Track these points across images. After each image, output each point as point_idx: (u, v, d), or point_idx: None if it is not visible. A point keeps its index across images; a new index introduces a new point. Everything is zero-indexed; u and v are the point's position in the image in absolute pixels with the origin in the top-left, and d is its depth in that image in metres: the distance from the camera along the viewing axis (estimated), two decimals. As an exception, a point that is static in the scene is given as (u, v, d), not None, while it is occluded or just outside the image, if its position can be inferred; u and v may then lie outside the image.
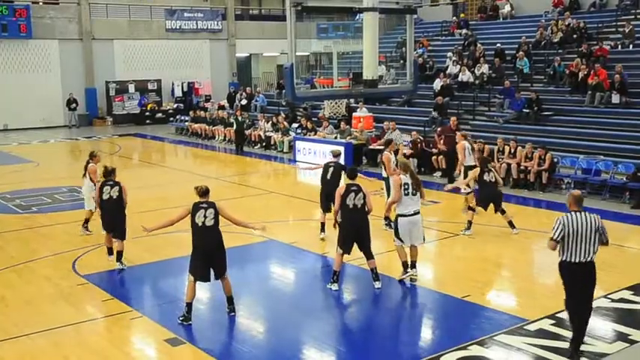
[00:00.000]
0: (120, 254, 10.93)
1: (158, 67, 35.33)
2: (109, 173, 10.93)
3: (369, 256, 9.84)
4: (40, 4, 33.72)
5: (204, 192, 8.68)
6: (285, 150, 23.50)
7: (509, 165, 16.90)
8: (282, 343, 8.33)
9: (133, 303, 9.37)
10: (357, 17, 27.44)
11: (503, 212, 12.74)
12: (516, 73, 23.19)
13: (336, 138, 21.46)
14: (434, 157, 18.71)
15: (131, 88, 34.22)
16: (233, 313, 8.87)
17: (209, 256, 8.61)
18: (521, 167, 16.77)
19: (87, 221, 12.86)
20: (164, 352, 7.98)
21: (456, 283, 10.06)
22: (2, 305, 9.43)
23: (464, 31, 29.14)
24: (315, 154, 20.57)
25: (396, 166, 12.04)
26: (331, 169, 12.21)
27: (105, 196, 10.78)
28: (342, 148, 20.15)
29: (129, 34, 34.71)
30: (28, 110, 31.72)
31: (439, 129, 19.25)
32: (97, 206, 11.25)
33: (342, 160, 18.49)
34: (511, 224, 12.70)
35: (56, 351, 7.99)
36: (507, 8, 29.64)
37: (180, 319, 8.55)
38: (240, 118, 24.71)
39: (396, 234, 9.95)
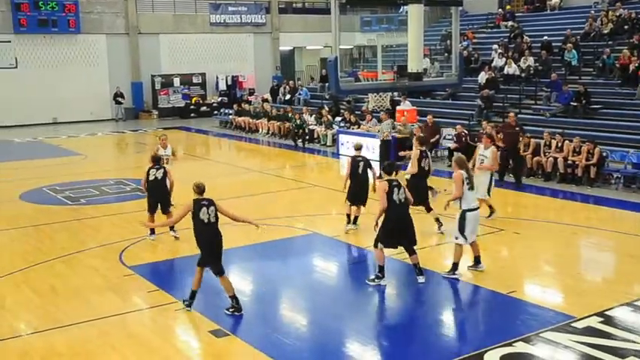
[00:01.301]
0: (171, 227, 11.69)
1: (202, 60, 35.66)
2: (157, 160, 12.27)
3: (411, 251, 9.77)
4: (89, -1, 34.33)
5: (203, 189, 8.87)
6: (328, 143, 23.49)
7: (555, 159, 16.60)
8: (324, 336, 8.34)
9: (177, 294, 9.48)
10: (401, 10, 27.37)
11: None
12: (564, 66, 22.73)
13: (379, 131, 21.35)
14: (478, 151, 18.45)
15: (176, 81, 34.62)
16: (237, 313, 8.76)
17: (215, 248, 8.84)
18: (569, 162, 16.45)
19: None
20: (208, 343, 8.07)
21: (501, 279, 9.92)
22: (53, 295, 9.65)
23: (510, 23, 28.68)
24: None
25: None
26: (362, 164, 12.07)
27: (151, 178, 11.96)
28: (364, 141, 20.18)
29: (174, 29, 35.12)
30: (76, 104, 32.35)
31: (499, 125, 18.58)
32: (143, 186, 12.41)
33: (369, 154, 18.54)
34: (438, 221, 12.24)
35: (103, 340, 8.15)
36: (555, -1, 29.10)
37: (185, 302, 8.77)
38: (298, 122, 24.48)
39: (462, 231, 9.73)
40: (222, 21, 36.10)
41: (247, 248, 11.84)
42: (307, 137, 24.25)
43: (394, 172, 9.83)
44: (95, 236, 12.67)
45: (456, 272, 9.88)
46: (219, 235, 8.83)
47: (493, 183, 12.93)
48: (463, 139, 19.08)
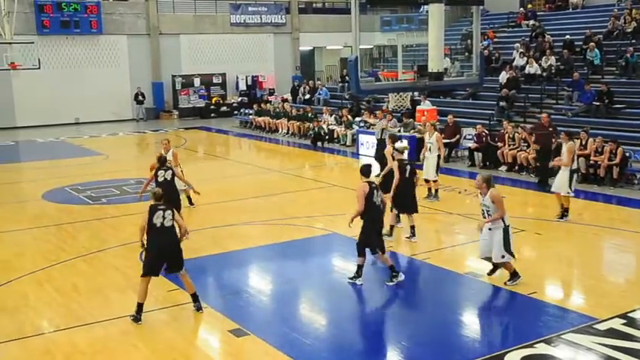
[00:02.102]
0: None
1: (223, 61, 35.80)
2: (163, 161, 12.09)
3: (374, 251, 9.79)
4: (110, 0, 34.58)
5: (161, 196, 8.96)
6: (348, 143, 23.48)
7: (578, 158, 16.42)
8: (344, 336, 8.33)
9: (197, 294, 9.51)
10: (422, 9, 27.26)
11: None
12: (586, 65, 22.54)
13: (399, 131, 21.30)
14: (499, 151, 18.37)
15: (196, 82, 34.80)
16: (201, 311, 8.83)
17: (167, 253, 8.72)
18: (591, 161, 16.29)
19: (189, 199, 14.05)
20: (228, 342, 8.10)
21: (523, 280, 9.83)
22: (75, 293, 9.74)
23: (531, 22, 28.48)
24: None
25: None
26: (409, 167, 11.60)
27: (160, 179, 11.79)
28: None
29: (194, 29, 35.30)
30: (98, 104, 32.63)
31: (530, 126, 18.25)
32: (143, 188, 12.37)
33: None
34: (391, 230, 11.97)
35: (125, 339, 8.21)
36: (577, -2, 28.85)
37: (131, 318, 8.62)
38: (317, 129, 24.44)
39: (508, 248, 9.43)
40: (242, 21, 36.23)
41: (267, 248, 11.89)
42: (327, 137, 24.27)
43: (370, 174, 9.72)
44: (116, 235, 12.77)
45: (517, 278, 9.55)
46: (172, 238, 8.78)
47: (574, 179, 13.03)
48: (484, 138, 18.98)
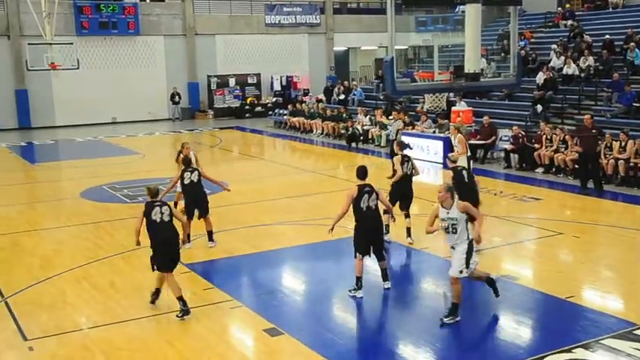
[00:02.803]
0: (210, 233, 11.66)
1: (257, 61, 35.96)
2: (188, 162, 11.86)
3: (381, 257, 9.50)
4: (148, 1, 35.01)
5: (155, 193, 9.09)
6: (382, 144, 23.40)
7: (617, 161, 16.15)
8: (378, 337, 8.32)
9: (232, 292, 9.59)
10: (457, 9, 27.06)
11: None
12: (626, 66, 22.12)
13: (434, 132, 21.19)
14: (536, 153, 18.14)
15: (231, 82, 35.02)
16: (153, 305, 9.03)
17: (170, 247, 8.88)
18: (631, 164, 15.99)
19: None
20: (262, 341, 8.13)
21: (560, 283, 9.71)
22: (112, 290, 9.88)
23: (569, 22, 28.04)
24: (413, 149, 20.34)
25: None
26: (465, 172, 11.34)
27: (186, 181, 11.54)
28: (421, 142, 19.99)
29: (230, 29, 35.53)
30: (135, 104, 33.06)
31: (573, 129, 18.04)
32: (168, 189, 11.92)
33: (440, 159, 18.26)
34: (408, 231, 11.75)
35: (160, 336, 8.32)
36: (617, -3, 28.35)
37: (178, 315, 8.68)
38: (351, 130, 24.46)
39: (468, 263, 8.45)
40: (277, 22, 36.37)
41: (301, 248, 11.92)
42: (362, 138, 24.24)
43: (366, 177, 9.42)
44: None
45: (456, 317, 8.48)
46: (171, 232, 8.95)
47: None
48: (520, 140, 18.76)
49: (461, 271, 8.36)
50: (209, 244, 11.67)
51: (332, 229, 9.37)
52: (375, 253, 9.46)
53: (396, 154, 12.05)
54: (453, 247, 8.44)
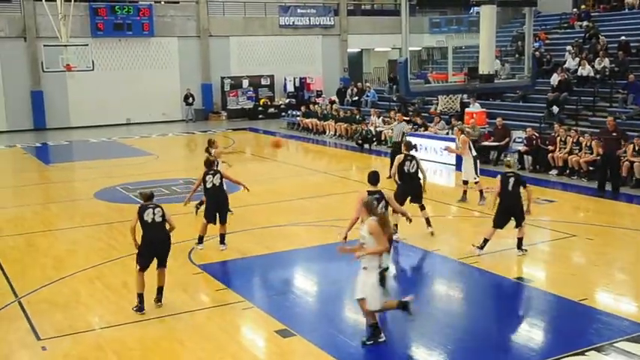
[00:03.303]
0: (223, 236, 11.64)
1: (271, 62, 36.00)
2: (210, 164, 11.76)
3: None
4: (162, 3, 35.17)
5: (149, 196, 9.31)
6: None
7: (632, 163, 16.02)
8: (390, 339, 8.28)
9: (244, 293, 9.60)
10: (471, 10, 26.98)
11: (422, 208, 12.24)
12: (642, 67, 21.96)
13: (447, 134, 21.12)
14: (550, 155, 18.04)
15: (245, 83, 35.09)
16: (159, 303, 9.10)
17: (156, 247, 9.04)
18: (646, 166, 15.87)
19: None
20: (274, 342, 8.13)
21: (572, 285, 9.65)
22: (125, 291, 9.91)
23: (585, 23, 27.87)
24: (427, 150, 20.32)
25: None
26: (512, 180, 10.97)
27: (209, 185, 11.51)
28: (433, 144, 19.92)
29: (244, 31, 35.61)
30: (149, 105, 33.22)
31: (597, 131, 17.64)
32: (192, 192, 12.11)
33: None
34: (428, 221, 12.11)
35: (172, 336, 8.34)
36: (633, -2, 28.14)
37: (134, 309, 8.94)
38: (364, 132, 24.46)
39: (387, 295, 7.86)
40: (291, 23, 36.41)
41: (313, 249, 11.91)
42: (374, 140, 24.21)
43: (377, 183, 9.22)
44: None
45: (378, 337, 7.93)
46: (162, 233, 9.12)
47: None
48: (534, 142, 18.67)
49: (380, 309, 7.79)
50: (220, 247, 11.63)
51: (345, 237, 9.19)
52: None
53: (400, 154, 12.22)
54: (364, 268, 7.72)
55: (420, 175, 12.15)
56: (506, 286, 9.89)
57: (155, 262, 9.17)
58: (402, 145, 13.11)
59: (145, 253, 9.05)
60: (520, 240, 11.02)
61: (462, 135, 15.10)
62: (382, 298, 7.66)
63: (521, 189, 10.92)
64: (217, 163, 12.83)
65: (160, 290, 9.20)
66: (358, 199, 8.95)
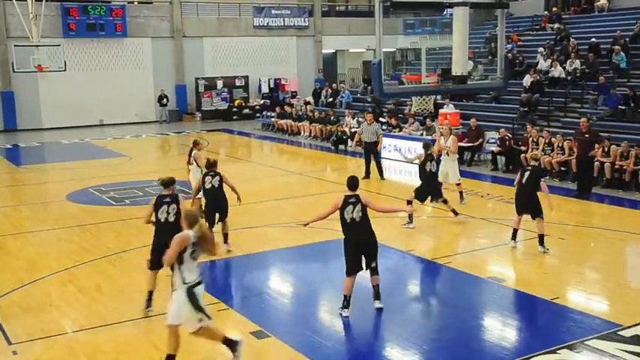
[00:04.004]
0: (226, 236, 11.64)
1: (245, 63, 35.91)
2: (210, 165, 11.72)
3: (373, 272, 8.92)
4: (135, 3, 34.88)
5: (168, 182, 9.09)
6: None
7: (602, 164, 16.25)
8: (365, 339, 8.32)
9: (219, 295, 9.56)
10: (445, 12, 27.16)
11: (445, 201, 13.26)
12: (612, 69, 22.28)
13: (422, 135, 21.24)
14: (522, 155, 18.22)
15: (219, 84, 34.94)
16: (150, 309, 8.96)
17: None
18: (616, 166, 16.10)
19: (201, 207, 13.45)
20: (249, 344, 8.09)
21: (545, 285, 9.77)
22: (98, 294, 9.83)
23: (556, 25, 28.22)
24: (401, 151, 20.39)
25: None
26: (527, 173, 11.23)
27: (207, 186, 11.48)
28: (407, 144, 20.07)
29: (218, 32, 35.46)
30: (122, 106, 32.92)
31: (569, 132, 17.97)
32: (194, 194, 12.02)
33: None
34: (454, 212, 13.21)
35: (147, 338, 8.27)
36: (603, 0, 28.51)
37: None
38: (339, 133, 24.48)
39: (200, 309, 7.14)
40: (265, 24, 36.34)
41: (288, 250, 11.91)
42: (348, 140, 24.25)
43: (356, 188, 8.92)
44: (139, 236, 12.80)
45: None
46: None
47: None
48: (507, 142, 18.85)
49: (200, 319, 7.10)
50: (224, 247, 11.39)
51: (306, 224, 9.36)
52: (366, 268, 8.90)
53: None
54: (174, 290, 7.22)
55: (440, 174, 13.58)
56: (479, 285, 9.97)
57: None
58: (423, 146, 13.60)
59: (157, 254, 8.64)
60: (541, 237, 11.25)
61: (452, 135, 15.10)
62: (195, 315, 7.07)
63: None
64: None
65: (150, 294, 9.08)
66: (333, 202, 8.90)
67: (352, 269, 8.79)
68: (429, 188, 13.09)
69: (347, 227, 8.80)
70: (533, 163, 11.92)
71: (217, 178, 11.49)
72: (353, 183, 8.98)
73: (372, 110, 25.24)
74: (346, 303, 8.79)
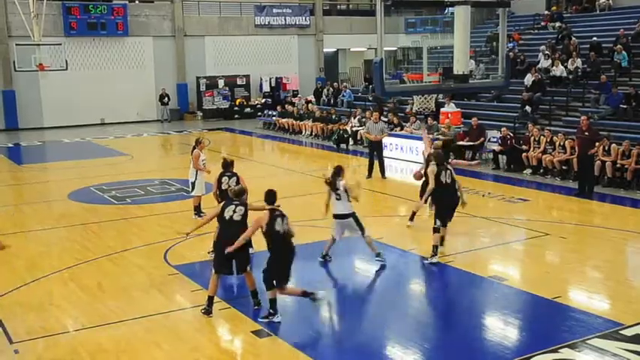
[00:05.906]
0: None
1: (247, 62, 35.92)
2: (227, 165, 11.48)
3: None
4: (137, 2, 34.88)
5: (238, 193, 9.08)
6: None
7: (603, 163, 16.24)
8: (366, 338, 8.31)
9: (220, 294, 9.54)
10: (446, 11, 27.15)
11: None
12: (613, 68, 22.25)
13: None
14: (524, 155, 18.22)
15: (220, 83, 34.94)
16: (257, 307, 8.91)
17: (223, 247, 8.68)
18: (617, 165, 16.09)
19: (198, 207, 13.43)
20: (250, 343, 8.12)
21: (547, 284, 9.76)
22: (99, 292, 9.83)
23: (557, 24, 28.19)
24: (402, 150, 20.41)
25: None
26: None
27: (224, 186, 11.19)
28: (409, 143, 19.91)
29: (219, 31, 35.47)
30: (123, 105, 32.94)
31: (570, 131, 17.83)
32: (216, 197, 11.48)
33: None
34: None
35: (148, 337, 8.27)
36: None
37: (202, 311, 8.79)
38: (341, 132, 24.48)
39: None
40: (266, 23, 36.35)
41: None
42: (350, 140, 24.27)
43: (275, 202, 8.83)
44: (141, 235, 12.86)
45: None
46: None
47: None
48: (508, 141, 18.84)
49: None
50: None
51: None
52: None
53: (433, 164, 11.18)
54: None
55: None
56: (481, 284, 9.96)
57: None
58: (433, 156, 11.77)
59: (218, 255, 8.78)
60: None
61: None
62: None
63: None
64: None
65: (253, 294, 9.00)
66: (255, 221, 8.56)
67: (287, 281, 8.74)
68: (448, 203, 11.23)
69: (279, 240, 8.65)
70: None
71: (234, 179, 11.20)
72: (272, 196, 8.83)
73: (379, 108, 25.29)
74: (274, 309, 8.61)
